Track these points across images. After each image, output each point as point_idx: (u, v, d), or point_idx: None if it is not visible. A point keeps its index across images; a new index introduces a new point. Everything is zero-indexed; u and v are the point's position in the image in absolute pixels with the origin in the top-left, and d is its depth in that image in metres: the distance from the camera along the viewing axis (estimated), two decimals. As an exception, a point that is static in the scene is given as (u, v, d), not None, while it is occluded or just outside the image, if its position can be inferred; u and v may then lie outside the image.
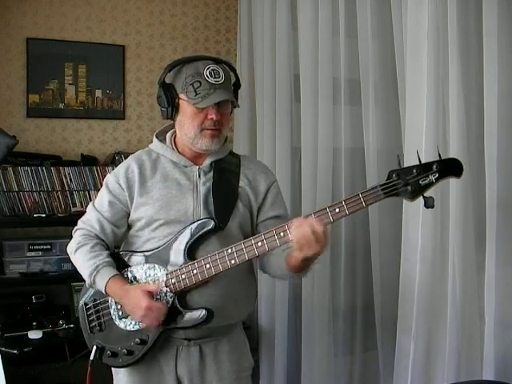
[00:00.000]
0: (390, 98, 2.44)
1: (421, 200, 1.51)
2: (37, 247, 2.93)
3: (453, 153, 1.94)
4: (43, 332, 2.76)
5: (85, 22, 3.27)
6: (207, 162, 1.80)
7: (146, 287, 1.68)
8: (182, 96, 1.73)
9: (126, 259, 1.78)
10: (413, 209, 2.07)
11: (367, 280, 2.69)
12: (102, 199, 1.82)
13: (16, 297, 2.92)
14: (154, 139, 1.86)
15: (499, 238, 1.84)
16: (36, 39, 3.15)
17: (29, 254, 2.91)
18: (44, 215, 2.92)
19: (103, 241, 1.81)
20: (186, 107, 1.73)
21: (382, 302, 2.54)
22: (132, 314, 1.71)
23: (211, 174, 1.79)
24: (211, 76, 1.69)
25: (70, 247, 1.83)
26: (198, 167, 1.79)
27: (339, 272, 2.77)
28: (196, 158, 1.81)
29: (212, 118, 1.70)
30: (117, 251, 1.83)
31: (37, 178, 2.96)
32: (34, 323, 2.79)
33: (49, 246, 2.94)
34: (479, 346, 1.93)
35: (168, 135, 1.85)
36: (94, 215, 1.81)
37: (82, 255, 1.77)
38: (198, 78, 1.69)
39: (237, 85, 1.83)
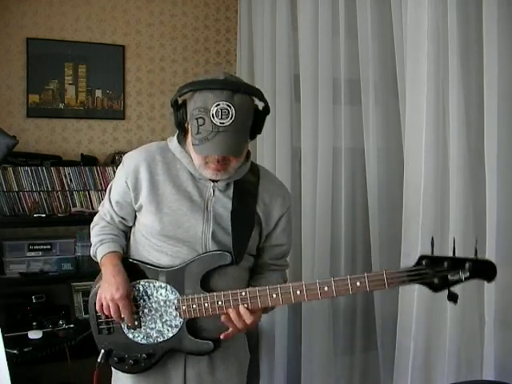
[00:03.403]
0: (390, 97, 2.44)
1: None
2: (37, 247, 2.92)
3: (453, 153, 1.94)
4: (43, 332, 2.75)
5: (85, 22, 3.27)
6: (223, 182, 1.69)
7: (129, 291, 1.69)
8: (189, 122, 1.60)
9: (138, 270, 1.74)
10: (413, 209, 2.07)
11: (367, 280, 2.69)
12: (113, 192, 1.81)
13: (16, 297, 2.91)
14: (175, 140, 1.73)
15: (499, 238, 1.83)
16: (36, 39, 3.15)
17: (29, 254, 2.91)
18: (44, 215, 2.91)
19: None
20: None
21: (382, 302, 2.54)
22: (100, 290, 1.70)
23: (228, 193, 1.71)
24: (217, 116, 1.51)
25: (91, 229, 1.89)
26: (212, 184, 1.69)
27: (339, 272, 2.76)
28: None
29: (214, 157, 1.59)
30: (129, 258, 1.78)
31: (37, 178, 2.96)
32: (34, 323, 2.79)
33: (49, 246, 2.94)
34: (479, 346, 1.93)
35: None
36: (107, 205, 1.83)
37: (93, 233, 1.84)
38: (203, 114, 1.53)
39: (263, 113, 1.65)
